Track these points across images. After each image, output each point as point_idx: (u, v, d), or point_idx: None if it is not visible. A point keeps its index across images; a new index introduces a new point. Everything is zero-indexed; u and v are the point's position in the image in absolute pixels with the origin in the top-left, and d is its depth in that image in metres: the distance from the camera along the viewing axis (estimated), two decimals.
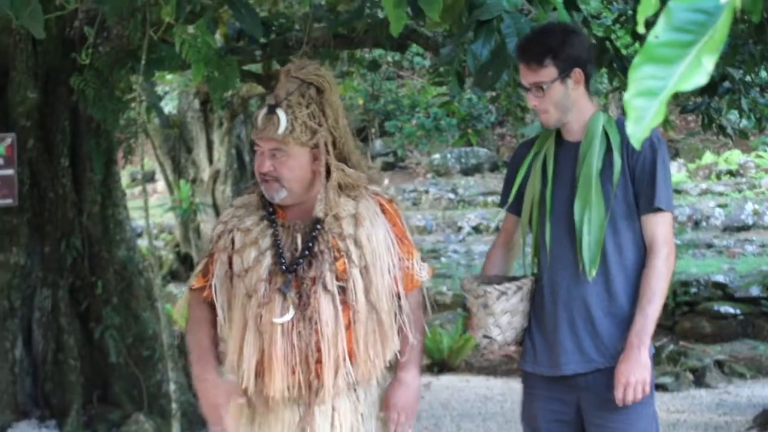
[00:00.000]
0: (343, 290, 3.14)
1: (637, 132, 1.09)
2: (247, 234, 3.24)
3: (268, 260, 3.18)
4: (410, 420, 3.38)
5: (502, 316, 3.49)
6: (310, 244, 3.15)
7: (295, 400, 3.17)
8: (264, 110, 3.19)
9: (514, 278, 3.62)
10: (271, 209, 3.26)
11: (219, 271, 3.26)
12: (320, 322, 3.10)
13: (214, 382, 3.26)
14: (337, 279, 3.13)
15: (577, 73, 3.42)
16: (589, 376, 3.46)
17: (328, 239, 3.15)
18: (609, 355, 3.41)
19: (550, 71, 3.39)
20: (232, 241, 3.26)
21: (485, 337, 3.53)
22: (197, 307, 3.35)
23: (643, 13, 1.14)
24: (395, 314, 3.24)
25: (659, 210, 3.39)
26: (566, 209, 3.43)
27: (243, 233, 3.25)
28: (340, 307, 3.12)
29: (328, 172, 3.19)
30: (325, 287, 3.11)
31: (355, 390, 3.23)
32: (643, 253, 3.41)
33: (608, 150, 3.40)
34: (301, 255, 3.15)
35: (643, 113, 1.08)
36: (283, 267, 3.14)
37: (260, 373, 3.18)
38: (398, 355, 3.30)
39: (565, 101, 3.43)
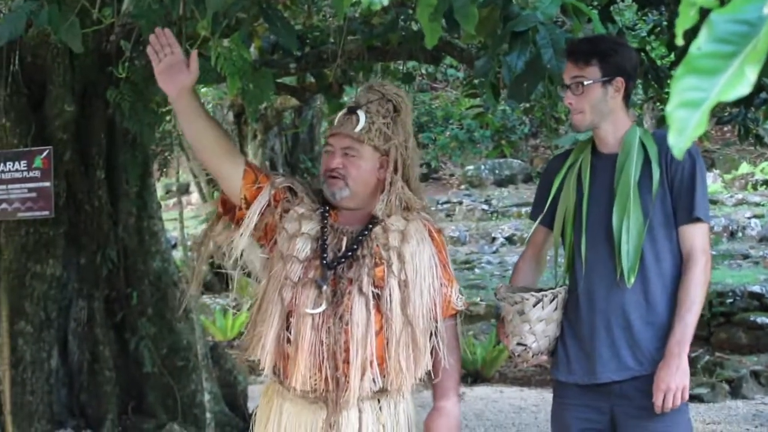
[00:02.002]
0: (378, 297, 3.15)
1: (679, 143, 1.08)
2: (296, 208, 3.28)
3: (309, 248, 3.21)
4: None
5: (537, 324, 3.51)
6: (355, 247, 3.20)
7: (319, 398, 3.17)
8: (343, 111, 3.30)
9: (543, 288, 3.63)
10: (327, 208, 3.31)
11: (263, 196, 3.29)
12: (351, 322, 3.12)
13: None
14: (375, 285, 3.15)
15: (619, 81, 3.46)
16: (624, 384, 3.47)
17: (372, 246, 3.20)
18: (646, 362, 3.42)
19: (593, 71, 3.44)
20: (287, 198, 3.31)
21: (519, 344, 3.54)
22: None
23: (681, 26, 1.13)
24: (431, 335, 3.25)
25: (698, 220, 3.41)
26: (603, 219, 3.45)
27: (296, 205, 3.30)
28: (372, 312, 3.13)
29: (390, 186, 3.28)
30: (360, 290, 3.14)
31: (379, 401, 3.24)
32: (680, 263, 3.43)
33: (646, 161, 3.42)
34: (343, 255, 3.20)
35: (685, 124, 1.08)
36: (324, 262, 3.17)
37: (283, 363, 3.20)
38: (431, 374, 3.31)
39: (602, 106, 3.46)
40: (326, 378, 3.13)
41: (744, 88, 1.04)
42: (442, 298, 3.29)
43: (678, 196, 3.42)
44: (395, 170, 3.28)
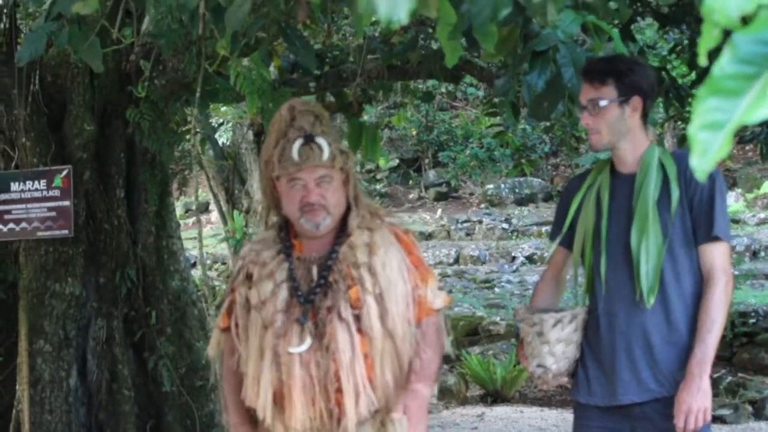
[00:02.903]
0: (358, 318, 3.14)
1: (702, 165, 1.06)
2: (263, 267, 3.29)
3: (284, 292, 3.21)
4: (415, 426, 3.26)
5: (557, 345, 3.48)
6: (325, 274, 3.18)
7: (317, 431, 3.16)
8: (297, 142, 3.19)
9: (563, 310, 3.60)
10: (288, 243, 3.30)
11: (238, 305, 3.31)
12: (337, 350, 3.11)
13: None
14: (353, 307, 3.14)
15: (636, 100, 3.43)
16: (645, 406, 3.44)
17: (342, 268, 3.18)
18: (667, 384, 3.39)
19: (610, 91, 3.41)
20: (248, 275, 3.31)
21: (539, 366, 3.51)
22: (229, 353, 3.43)
23: (704, 46, 1.12)
24: (411, 341, 3.23)
25: (718, 239, 3.38)
26: (622, 239, 3.43)
27: (259, 267, 3.29)
28: (356, 335, 3.12)
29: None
30: (339, 316, 3.12)
31: (378, 423, 3.21)
32: (700, 282, 3.40)
33: (665, 181, 3.39)
34: (317, 285, 3.18)
35: (708, 146, 1.06)
36: (301, 298, 3.17)
37: (279, 404, 3.19)
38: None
39: (620, 126, 3.44)
40: (320, 411, 3.12)
41: (767, 110, 1.02)
42: (416, 300, 3.25)
43: (698, 216, 3.39)
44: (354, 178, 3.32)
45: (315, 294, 3.17)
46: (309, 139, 3.18)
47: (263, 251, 3.33)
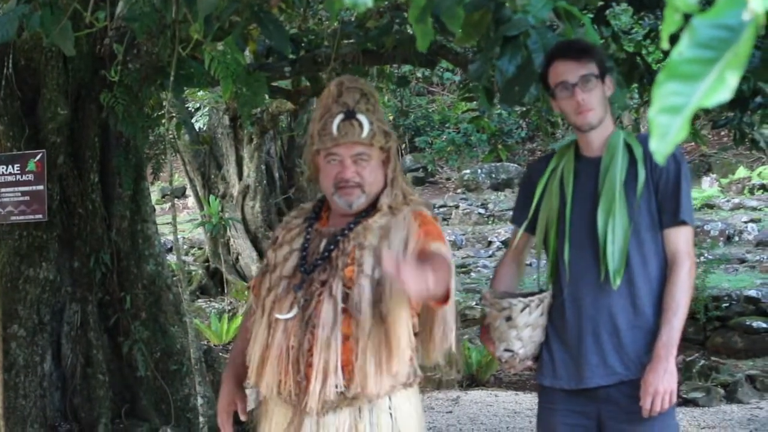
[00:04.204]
0: (349, 298, 3.09)
1: (661, 148, 1.08)
2: (287, 233, 3.33)
3: (294, 260, 3.24)
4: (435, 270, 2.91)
5: (524, 330, 3.51)
6: (331, 248, 3.18)
7: (287, 401, 3.16)
8: (338, 118, 3.18)
9: (525, 293, 3.62)
10: (315, 215, 3.33)
11: (263, 266, 3.37)
12: (317, 325, 3.08)
13: (226, 388, 3.45)
14: (346, 286, 3.10)
15: (609, 79, 3.44)
16: (612, 389, 3.46)
17: (347, 246, 3.15)
18: (633, 367, 3.42)
19: (594, 68, 3.41)
20: (276, 239, 3.37)
21: (507, 350, 3.53)
22: (248, 313, 3.49)
23: (667, 30, 1.13)
24: (407, 334, 3.12)
25: (683, 223, 3.39)
26: (588, 223, 3.43)
27: (285, 232, 3.34)
28: (340, 314, 3.08)
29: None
30: (330, 292, 3.10)
31: (359, 407, 3.13)
32: (665, 266, 3.42)
33: (631, 163, 3.40)
34: (320, 257, 3.18)
35: (667, 129, 1.07)
36: (302, 268, 3.19)
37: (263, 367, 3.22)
38: (423, 357, 3.22)
39: (605, 102, 3.45)
40: (289, 382, 3.11)
41: (724, 94, 1.03)
42: (415, 249, 3.03)
43: (663, 199, 3.40)
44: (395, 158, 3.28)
45: (317, 266, 3.17)
46: (350, 115, 3.17)
47: (295, 219, 3.38)
